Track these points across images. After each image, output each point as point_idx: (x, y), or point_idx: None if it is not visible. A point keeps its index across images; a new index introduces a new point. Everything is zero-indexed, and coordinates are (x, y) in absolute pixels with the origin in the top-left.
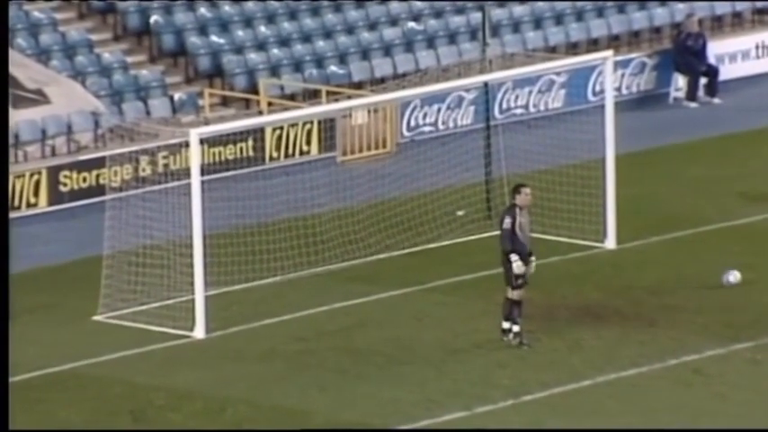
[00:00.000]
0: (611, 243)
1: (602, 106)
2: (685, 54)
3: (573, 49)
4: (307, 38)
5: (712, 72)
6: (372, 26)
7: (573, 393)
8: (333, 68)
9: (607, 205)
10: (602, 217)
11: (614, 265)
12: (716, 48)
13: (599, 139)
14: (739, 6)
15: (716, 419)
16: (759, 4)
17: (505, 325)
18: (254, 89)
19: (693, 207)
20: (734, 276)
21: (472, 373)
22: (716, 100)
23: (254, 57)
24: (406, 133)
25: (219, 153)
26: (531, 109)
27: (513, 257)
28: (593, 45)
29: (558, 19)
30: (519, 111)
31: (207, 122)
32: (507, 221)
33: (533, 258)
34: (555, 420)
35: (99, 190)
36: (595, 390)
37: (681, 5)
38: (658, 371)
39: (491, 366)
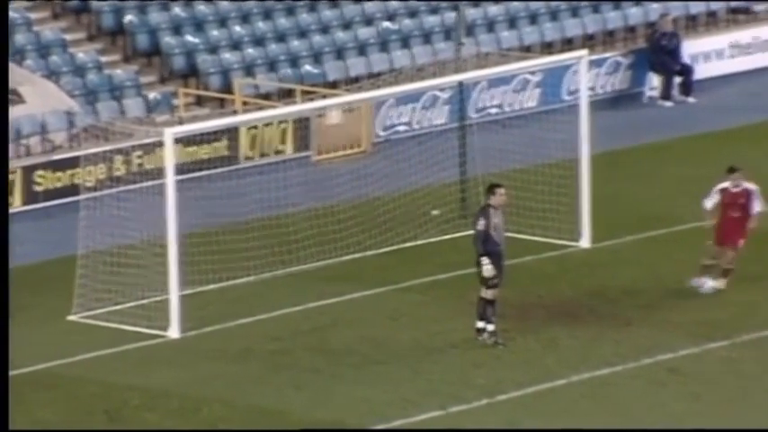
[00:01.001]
0: (585, 242)
1: (577, 105)
2: (660, 53)
3: (547, 48)
4: (281, 37)
5: (687, 71)
6: (347, 26)
7: (548, 393)
8: (308, 68)
9: (582, 204)
10: (577, 216)
11: (589, 265)
12: (690, 47)
13: (573, 139)
14: (714, 6)
15: (691, 419)
16: (733, 4)
17: (480, 324)
18: (228, 89)
19: (668, 206)
20: (709, 286)
21: (447, 373)
22: (691, 99)
23: (228, 56)
24: (381, 133)
25: (194, 153)
26: (506, 108)
27: (485, 260)
28: (568, 44)
29: (533, 18)
30: (494, 110)
31: (181, 122)
32: (481, 223)
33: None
34: (530, 420)
35: (73, 189)
36: (570, 389)
37: (655, 5)
38: (633, 370)
39: (466, 366)
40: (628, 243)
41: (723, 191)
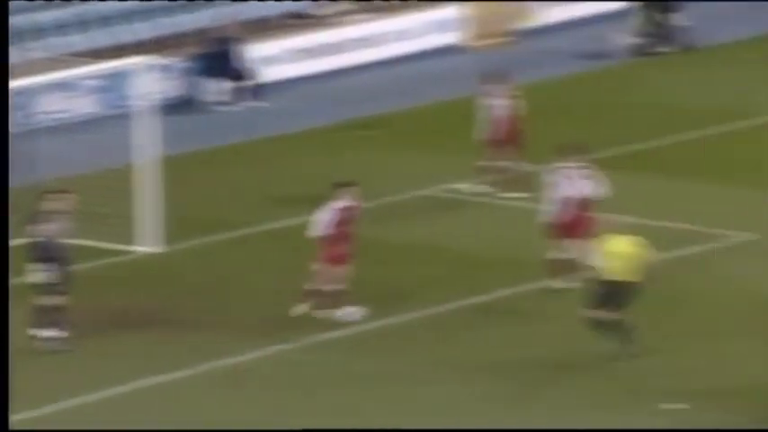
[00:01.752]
0: (152, 247)
1: (141, 110)
2: (222, 58)
3: (120, 51)
4: None
5: (250, 76)
6: None
7: (116, 398)
8: None
9: (147, 209)
10: (142, 221)
11: (154, 269)
12: (253, 51)
13: (138, 144)
14: (276, 9)
15: (261, 421)
16: (295, 7)
17: (41, 332)
18: None
19: (232, 211)
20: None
21: (14, 380)
22: (254, 103)
23: None
24: None
25: None
26: (70, 113)
27: (45, 267)
28: (138, 48)
29: (105, 21)
30: (57, 115)
31: None
32: (41, 229)
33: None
34: (95, 426)
35: None
36: (137, 395)
37: (219, 9)
38: (202, 373)
39: (35, 372)
40: (194, 247)
41: (339, 209)
